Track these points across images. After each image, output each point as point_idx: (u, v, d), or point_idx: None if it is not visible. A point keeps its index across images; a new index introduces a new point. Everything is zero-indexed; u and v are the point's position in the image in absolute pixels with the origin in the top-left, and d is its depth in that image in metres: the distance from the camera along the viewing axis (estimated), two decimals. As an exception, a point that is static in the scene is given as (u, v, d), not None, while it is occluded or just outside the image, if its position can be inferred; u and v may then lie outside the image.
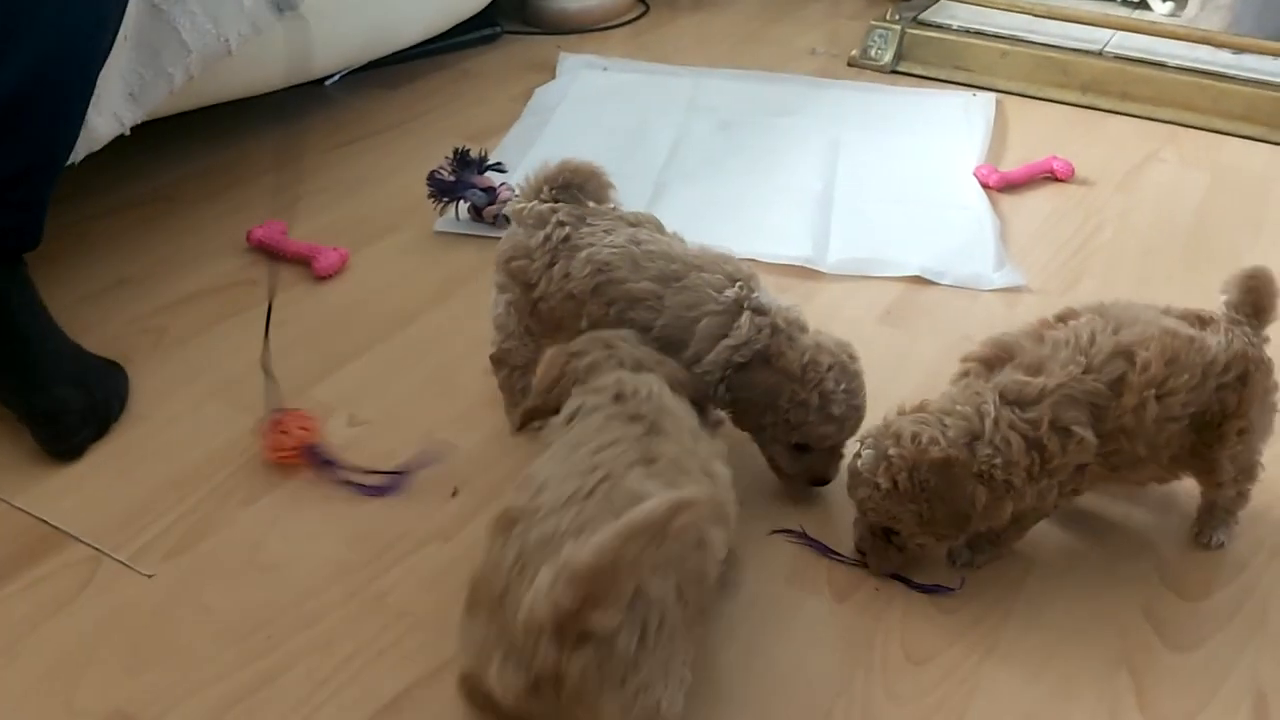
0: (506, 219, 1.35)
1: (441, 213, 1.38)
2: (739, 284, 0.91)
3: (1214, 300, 0.91)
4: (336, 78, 1.73)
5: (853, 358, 0.92)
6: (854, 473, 0.85)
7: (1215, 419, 0.85)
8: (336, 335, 1.17)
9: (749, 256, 1.30)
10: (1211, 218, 1.48)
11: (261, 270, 1.27)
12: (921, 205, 1.45)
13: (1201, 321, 0.88)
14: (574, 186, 0.97)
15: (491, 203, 1.36)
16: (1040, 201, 1.50)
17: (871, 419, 1.07)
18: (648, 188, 1.49)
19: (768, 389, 0.89)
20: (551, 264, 0.94)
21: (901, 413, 0.86)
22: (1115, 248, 1.40)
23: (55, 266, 1.12)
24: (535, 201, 0.97)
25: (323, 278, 1.26)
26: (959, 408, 0.83)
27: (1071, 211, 1.48)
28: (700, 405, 0.85)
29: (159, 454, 0.99)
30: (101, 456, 0.99)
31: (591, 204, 0.97)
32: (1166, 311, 0.89)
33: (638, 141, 1.62)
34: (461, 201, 1.37)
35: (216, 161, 1.51)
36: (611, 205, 0.99)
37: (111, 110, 1.15)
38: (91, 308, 1.18)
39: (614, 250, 0.93)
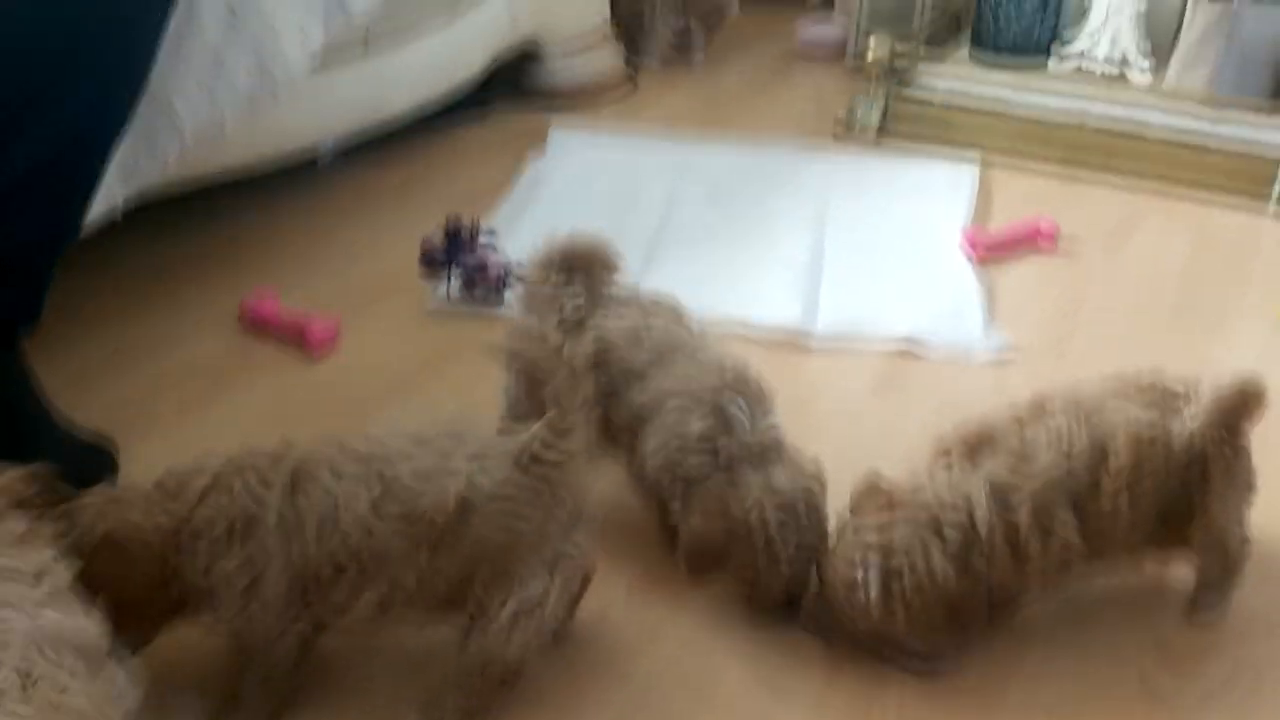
0: (498, 291, 1.38)
1: (434, 287, 1.38)
2: (725, 384, 0.88)
3: (1201, 363, 0.91)
4: (329, 155, 1.75)
5: (810, 505, 0.86)
6: (850, 586, 0.80)
7: (1186, 503, 0.85)
8: (328, 410, 1.17)
9: (739, 324, 1.33)
10: (1195, 282, 1.50)
11: (255, 343, 1.27)
12: (909, 271, 1.47)
13: (1168, 397, 0.87)
14: (580, 265, 0.97)
15: (483, 275, 1.37)
16: (1026, 268, 1.52)
17: (850, 489, 1.08)
18: (638, 257, 1.49)
19: (714, 546, 0.85)
20: (562, 344, 0.93)
21: (883, 507, 0.82)
22: (1102, 313, 1.41)
23: (47, 343, 1.12)
24: (547, 285, 0.97)
25: (314, 348, 1.26)
26: (950, 508, 0.80)
27: (1057, 277, 1.50)
28: None
29: (147, 534, 0.98)
30: (89, 537, 0.98)
31: (601, 282, 0.97)
32: (1134, 384, 0.89)
33: (628, 211, 1.64)
34: (453, 277, 1.38)
35: (209, 238, 1.52)
36: (618, 275, 0.99)
37: (107, 190, 1.16)
38: (83, 384, 1.18)
39: (621, 329, 0.93)
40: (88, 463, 1.02)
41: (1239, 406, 0.85)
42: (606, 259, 0.98)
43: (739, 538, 0.85)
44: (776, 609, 0.88)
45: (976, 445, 0.85)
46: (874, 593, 0.79)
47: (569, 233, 0.99)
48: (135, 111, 1.08)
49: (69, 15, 0.98)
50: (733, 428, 0.87)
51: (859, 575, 0.80)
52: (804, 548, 0.85)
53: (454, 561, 0.75)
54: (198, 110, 1.21)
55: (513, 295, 1.02)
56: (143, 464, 1.07)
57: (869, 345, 1.31)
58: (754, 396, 0.90)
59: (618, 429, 0.93)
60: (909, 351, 1.31)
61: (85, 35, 0.99)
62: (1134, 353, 1.32)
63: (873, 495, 0.83)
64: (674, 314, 0.98)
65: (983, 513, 0.79)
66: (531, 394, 0.96)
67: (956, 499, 0.81)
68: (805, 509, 0.86)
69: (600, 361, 0.92)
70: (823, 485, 0.89)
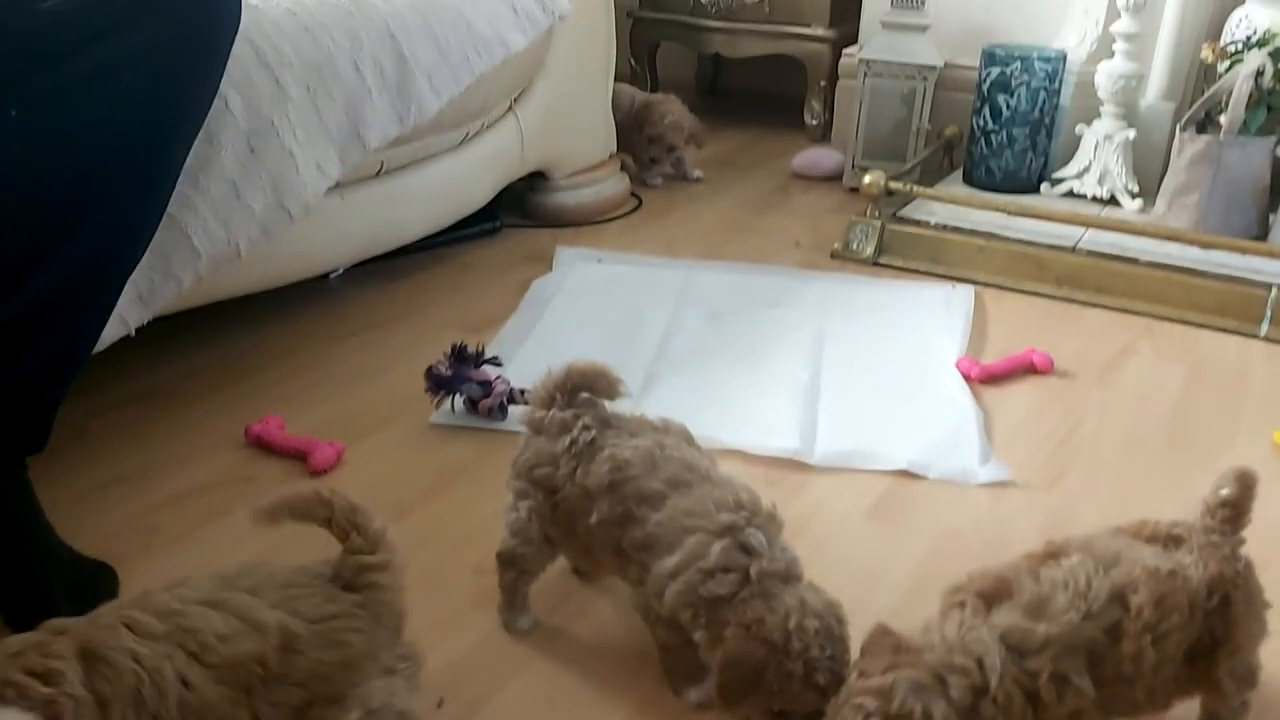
0: (502, 409, 1.40)
1: (438, 406, 1.41)
2: (743, 512, 0.89)
3: (1195, 494, 0.92)
4: (340, 270, 1.79)
5: (840, 621, 0.88)
6: None
7: (1207, 646, 0.85)
8: (328, 533, 1.17)
9: (737, 447, 1.34)
10: (1190, 410, 1.51)
11: (258, 465, 1.29)
12: (906, 397, 1.49)
13: (1175, 542, 0.88)
14: (584, 389, 0.99)
15: (487, 395, 1.39)
16: (1022, 394, 1.54)
17: (860, 619, 1.07)
18: (639, 378, 1.52)
19: (753, 664, 0.85)
20: (575, 469, 0.95)
21: (888, 655, 0.80)
22: (1097, 441, 1.43)
23: (51, 464, 1.13)
24: (554, 410, 0.98)
25: (317, 473, 1.27)
26: (958, 659, 0.78)
27: (1053, 404, 1.51)
28: None
29: (143, 660, 0.98)
30: (85, 663, 0.97)
31: (607, 404, 0.99)
32: (1140, 534, 0.90)
33: (630, 332, 1.67)
34: (457, 395, 1.40)
35: (217, 356, 1.55)
36: (621, 399, 1.01)
37: (119, 312, 1.19)
38: (85, 506, 1.19)
39: (635, 451, 0.94)
40: (90, 587, 1.03)
41: (1241, 494, 0.87)
42: (610, 383, 1.00)
43: (776, 656, 0.84)
44: None
45: (992, 595, 0.84)
46: None
47: (573, 359, 1.01)
48: (150, 242, 1.12)
49: (91, 150, 1.02)
50: (756, 552, 0.88)
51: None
52: (836, 669, 0.85)
53: (290, 694, 0.74)
54: (214, 238, 1.25)
55: (521, 420, 1.03)
56: (145, 585, 1.07)
57: (868, 471, 1.32)
58: (769, 523, 0.91)
59: (628, 553, 0.93)
60: (907, 472, 1.32)
61: (106, 170, 1.03)
62: (1130, 481, 1.33)
63: (881, 641, 0.83)
64: (684, 436, 0.99)
65: (994, 663, 0.77)
66: (540, 514, 0.98)
67: (966, 652, 0.78)
68: (837, 625, 0.87)
69: (615, 485, 0.93)
70: (844, 619, 0.89)
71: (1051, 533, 1.21)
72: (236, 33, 1.10)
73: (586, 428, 0.96)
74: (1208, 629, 0.84)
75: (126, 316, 1.20)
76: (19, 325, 1.01)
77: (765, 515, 0.91)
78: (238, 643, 0.72)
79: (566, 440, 0.96)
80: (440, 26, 1.55)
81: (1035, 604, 0.81)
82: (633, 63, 2.90)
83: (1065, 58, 2.12)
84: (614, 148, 2.28)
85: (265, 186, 1.30)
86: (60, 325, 1.05)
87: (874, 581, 1.13)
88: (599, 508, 0.93)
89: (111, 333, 1.19)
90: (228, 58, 1.10)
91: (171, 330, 1.43)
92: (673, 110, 2.36)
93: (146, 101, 1.02)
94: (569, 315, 1.72)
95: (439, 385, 1.40)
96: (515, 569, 1.01)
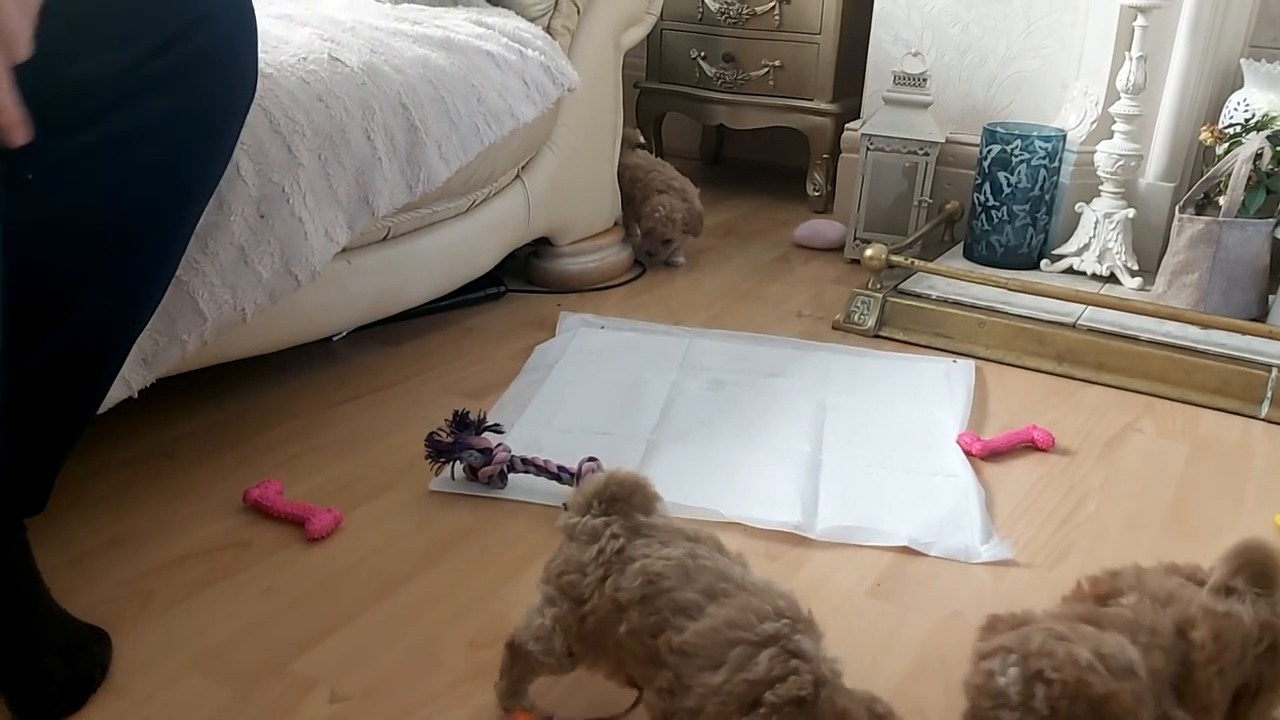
0: (502, 478, 1.39)
1: (437, 473, 1.40)
2: (785, 620, 0.87)
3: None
4: (343, 334, 1.80)
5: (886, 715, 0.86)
6: (990, 693, 0.76)
7: (1251, 689, 0.86)
8: (324, 602, 1.16)
9: (738, 520, 1.34)
10: (1192, 490, 1.51)
11: (255, 531, 1.28)
12: (908, 472, 1.48)
13: (1228, 591, 0.89)
14: (621, 499, 0.97)
15: (488, 463, 1.38)
16: (1023, 471, 1.53)
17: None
18: (640, 446, 1.52)
19: None
20: (605, 578, 0.92)
21: (1009, 624, 0.79)
22: (1100, 520, 1.42)
23: (46, 526, 1.13)
24: (587, 517, 0.96)
25: (315, 539, 1.26)
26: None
27: (1054, 482, 1.51)
28: None
29: (133, 731, 0.97)
30: (74, 732, 0.96)
31: (641, 517, 0.97)
32: (1193, 578, 0.91)
33: (631, 399, 1.67)
34: (458, 462, 1.40)
35: (216, 418, 1.55)
36: (658, 511, 0.99)
37: (123, 374, 1.20)
38: (79, 569, 1.18)
39: (667, 562, 0.91)
40: (83, 652, 1.02)
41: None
42: (648, 497, 0.98)
43: None
44: None
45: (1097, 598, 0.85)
46: (1012, 685, 0.75)
47: (612, 469, 0.99)
48: (158, 307, 1.13)
49: (104, 217, 1.03)
50: (808, 655, 0.85)
51: (997, 675, 0.76)
52: None
53: None
54: (220, 303, 1.26)
55: (558, 526, 1.01)
56: (139, 652, 1.06)
57: (869, 547, 1.31)
58: (809, 630, 0.88)
59: (664, 659, 0.88)
60: (909, 549, 1.31)
61: (118, 237, 1.04)
62: (1132, 560, 1.31)
63: (996, 624, 0.82)
64: (716, 544, 0.97)
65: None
66: (565, 627, 0.94)
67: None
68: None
69: (648, 598, 0.90)
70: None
71: (1054, 614, 1.21)
72: (252, 103, 1.12)
73: (615, 536, 0.94)
74: (1255, 672, 0.85)
75: (130, 379, 1.20)
76: (25, 387, 1.01)
77: (805, 622, 0.88)
78: None
79: (595, 549, 0.93)
80: (451, 98, 1.58)
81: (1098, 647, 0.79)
82: (638, 132, 2.94)
83: (1065, 136, 2.16)
84: (619, 216, 2.31)
85: (274, 252, 1.31)
86: (66, 388, 1.05)
87: (875, 661, 1.12)
88: (629, 618, 0.90)
89: (115, 394, 1.19)
90: (242, 126, 1.12)
91: (171, 392, 1.43)
92: (663, 204, 2.29)
93: (162, 170, 1.03)
94: (571, 382, 1.72)
95: (439, 452, 1.39)
96: (525, 665, 0.99)
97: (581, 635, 0.93)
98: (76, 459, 1.37)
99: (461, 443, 1.39)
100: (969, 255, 2.22)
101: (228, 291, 1.27)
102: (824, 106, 2.71)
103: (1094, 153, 2.12)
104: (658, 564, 0.91)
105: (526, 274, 2.19)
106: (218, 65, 1.05)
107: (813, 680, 0.83)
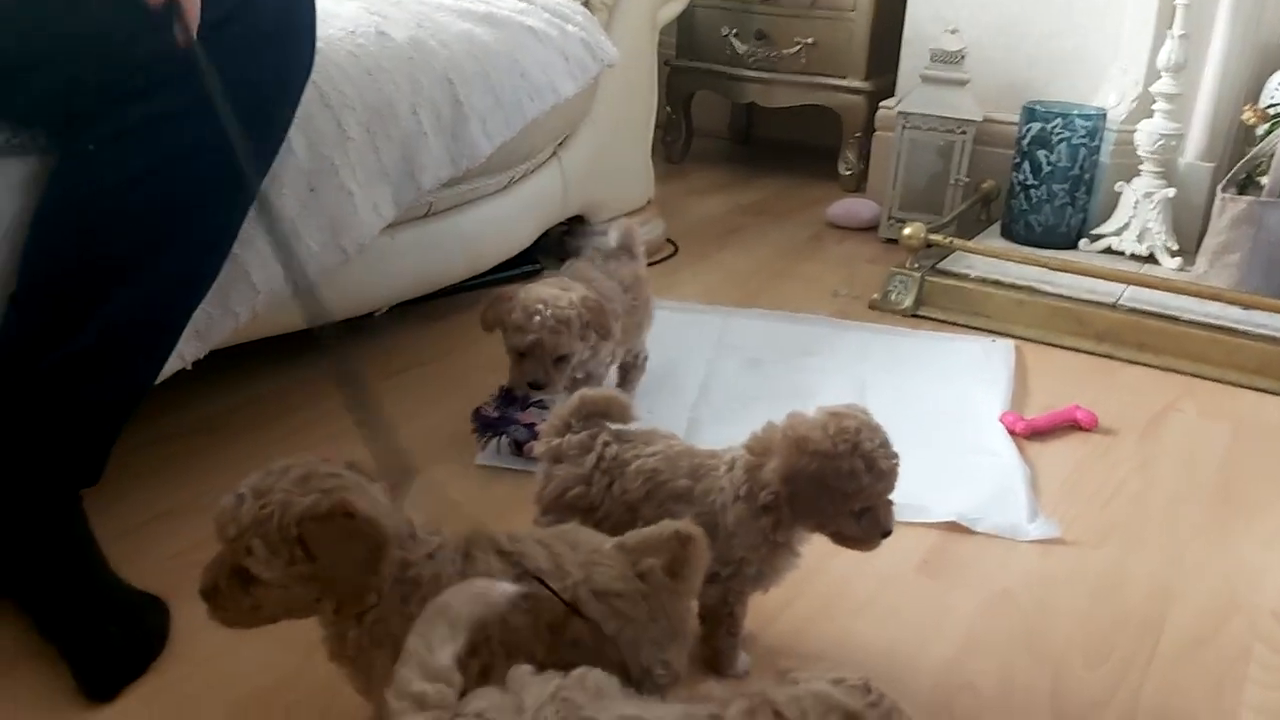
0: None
1: (484, 448, 1.41)
2: (732, 464, 0.98)
3: (1241, 554, 0.90)
4: (384, 309, 1.80)
5: (865, 411, 0.98)
6: None
7: None
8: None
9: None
10: (1234, 469, 1.50)
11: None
12: (951, 451, 1.48)
13: None
14: (597, 415, 1.03)
15: (533, 438, 1.39)
16: (1066, 450, 1.53)
17: (912, 675, 1.07)
18: (681, 424, 1.52)
19: (811, 476, 0.92)
20: (611, 483, 1.00)
21: None
22: (1143, 499, 1.42)
23: (100, 497, 1.14)
24: (568, 436, 1.02)
25: (365, 512, 1.27)
26: None
27: (1097, 461, 1.51)
28: None
29: (195, 697, 0.98)
30: (138, 699, 0.97)
31: (617, 427, 1.04)
32: None
33: (670, 378, 1.67)
34: (503, 437, 1.40)
35: (262, 392, 1.56)
36: (635, 420, 1.06)
37: (177, 347, 1.20)
38: (134, 540, 1.19)
39: (656, 456, 1.00)
40: (140, 619, 1.03)
41: None
42: (622, 407, 1.05)
43: (831, 462, 0.93)
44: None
45: None
46: None
47: (584, 389, 1.06)
48: (216, 279, 1.13)
49: (166, 187, 1.04)
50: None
51: None
52: (892, 453, 0.97)
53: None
54: (272, 276, 1.26)
55: (537, 454, 1.07)
56: (198, 620, 1.07)
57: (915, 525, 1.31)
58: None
59: None
60: (955, 525, 1.31)
61: (180, 207, 1.05)
62: (1177, 541, 1.32)
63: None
64: (675, 436, 1.05)
65: None
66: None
67: None
68: (873, 423, 0.99)
69: (651, 493, 0.98)
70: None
71: (1102, 592, 1.21)
72: (309, 76, 1.12)
73: (608, 443, 1.01)
74: None
75: (184, 351, 1.21)
76: (86, 358, 1.03)
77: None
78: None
79: (593, 458, 1.00)
80: (495, 73, 1.57)
81: None
82: (669, 110, 2.93)
83: (1105, 115, 2.14)
84: (652, 194, 2.30)
85: (323, 225, 1.31)
86: (125, 359, 1.06)
87: (925, 638, 1.12)
88: (643, 515, 0.98)
89: (169, 367, 1.20)
90: (298, 103, 1.12)
91: (215, 367, 1.44)
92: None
93: (218, 144, 1.03)
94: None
95: (486, 427, 1.40)
96: None
97: None
98: (123, 432, 1.38)
99: (507, 418, 1.40)
100: (1007, 234, 2.20)
101: (278, 266, 1.27)
102: (857, 84, 2.70)
103: (1134, 132, 2.10)
104: (650, 461, 1.00)
105: (561, 251, 2.19)
106: (275, 41, 1.05)
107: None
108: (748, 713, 0.64)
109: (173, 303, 1.08)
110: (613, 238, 1.62)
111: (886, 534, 0.97)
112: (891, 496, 1.33)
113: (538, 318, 1.32)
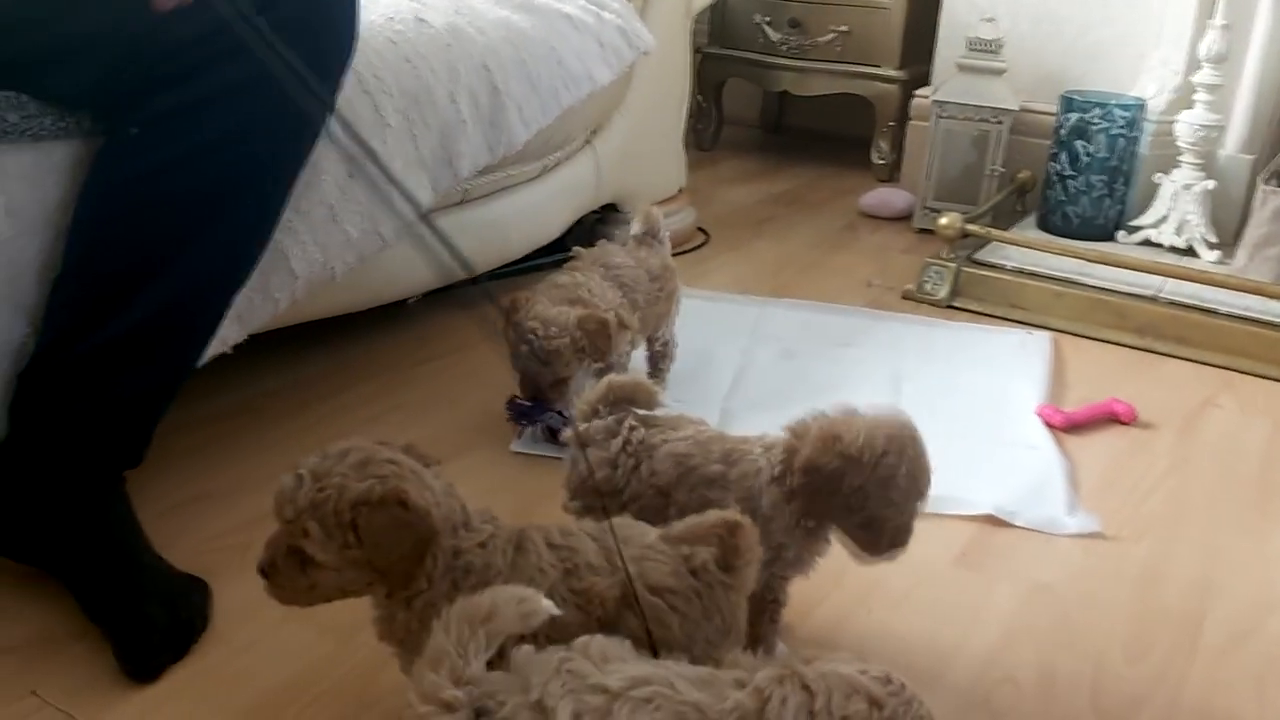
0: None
1: (519, 435, 1.41)
2: (769, 448, 0.97)
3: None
4: (418, 296, 1.81)
5: (911, 427, 0.95)
6: None
7: None
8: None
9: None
10: (1274, 465, 1.48)
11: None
12: (989, 443, 1.47)
13: None
14: (624, 401, 1.03)
15: (566, 425, 1.39)
16: (1104, 444, 1.51)
17: (951, 669, 1.06)
18: (714, 415, 1.52)
19: (828, 475, 0.91)
20: (637, 465, 0.99)
21: None
22: (1183, 494, 1.40)
23: (139, 478, 1.15)
24: (595, 421, 1.02)
25: (402, 497, 1.27)
26: None
27: (1136, 455, 1.49)
28: None
29: (237, 679, 0.99)
30: (181, 680, 0.98)
31: (645, 411, 1.03)
32: None
33: (703, 368, 1.67)
34: (538, 425, 1.40)
35: (299, 376, 1.57)
36: (661, 406, 1.05)
37: (219, 332, 1.21)
38: (174, 521, 1.20)
39: (686, 440, 0.99)
40: (183, 600, 1.04)
41: None
42: (649, 393, 1.04)
43: (852, 467, 0.91)
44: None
45: None
46: None
47: (608, 377, 1.06)
48: (258, 263, 1.14)
49: (208, 170, 1.04)
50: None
51: None
52: (916, 482, 0.94)
53: None
54: (311, 261, 1.27)
55: (564, 439, 1.07)
56: (239, 602, 1.08)
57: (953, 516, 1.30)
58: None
59: None
60: (994, 517, 1.30)
61: (222, 190, 1.05)
62: (1218, 536, 1.31)
63: None
64: (704, 422, 1.04)
65: None
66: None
67: None
68: (912, 441, 0.96)
69: (683, 477, 0.97)
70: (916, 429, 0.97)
71: (1142, 587, 1.20)
72: (349, 65, 1.12)
73: (634, 427, 1.00)
74: None
75: (225, 335, 1.21)
76: (130, 341, 1.03)
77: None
78: (595, 577, 0.80)
79: (619, 441, 1.00)
80: (532, 60, 1.57)
81: None
82: (700, 98, 2.92)
83: (1144, 106, 2.11)
84: (684, 182, 2.29)
85: (362, 211, 1.31)
86: (169, 342, 1.07)
87: (964, 631, 1.12)
88: (675, 500, 0.98)
89: (210, 350, 1.21)
90: (339, 89, 1.12)
91: (252, 350, 1.45)
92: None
93: (264, 124, 1.04)
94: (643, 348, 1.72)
95: (520, 415, 1.40)
96: None
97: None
98: (165, 413, 1.40)
99: (541, 406, 1.40)
100: (1043, 226, 2.18)
101: (318, 250, 1.28)
102: (891, 73, 2.67)
103: (1173, 123, 2.07)
104: (680, 445, 0.99)
105: (592, 239, 2.18)
106: (315, 24, 1.05)
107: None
108: (775, 680, 0.65)
109: (215, 286, 1.09)
110: (636, 225, 1.62)
111: (892, 550, 0.95)
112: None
113: (525, 348, 1.34)
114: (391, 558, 0.78)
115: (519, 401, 1.40)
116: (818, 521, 0.96)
